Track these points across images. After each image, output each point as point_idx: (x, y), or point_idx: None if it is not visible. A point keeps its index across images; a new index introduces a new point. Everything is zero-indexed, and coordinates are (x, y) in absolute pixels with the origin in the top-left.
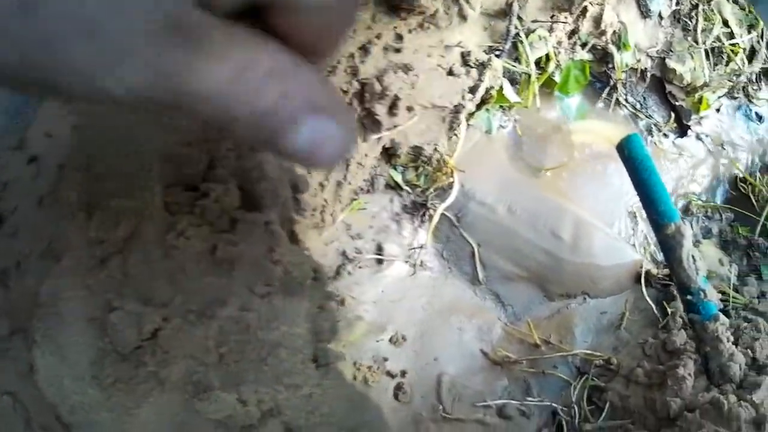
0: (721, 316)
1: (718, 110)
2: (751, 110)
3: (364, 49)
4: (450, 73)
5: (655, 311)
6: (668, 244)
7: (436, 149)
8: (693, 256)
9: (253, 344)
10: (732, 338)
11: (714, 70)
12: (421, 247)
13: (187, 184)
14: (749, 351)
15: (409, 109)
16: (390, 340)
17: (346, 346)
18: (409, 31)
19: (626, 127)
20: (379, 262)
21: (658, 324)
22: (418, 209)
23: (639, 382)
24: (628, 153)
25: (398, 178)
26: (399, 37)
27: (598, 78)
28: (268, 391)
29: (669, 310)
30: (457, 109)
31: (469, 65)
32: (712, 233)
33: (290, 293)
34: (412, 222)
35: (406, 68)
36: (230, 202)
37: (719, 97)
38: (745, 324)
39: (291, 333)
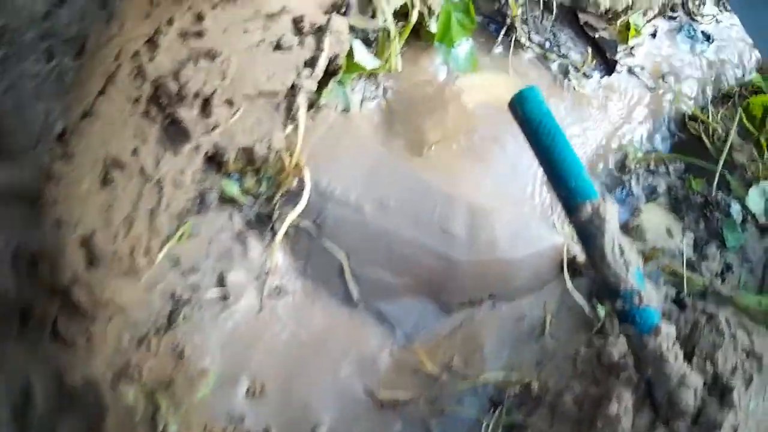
0: (664, 327)
1: (653, 35)
2: (695, 30)
3: (152, 42)
4: (278, 47)
5: (586, 309)
6: (586, 232)
7: (270, 146)
8: (620, 246)
9: None
10: (683, 350)
11: None
12: (268, 271)
13: None
14: (708, 363)
15: (229, 102)
16: (246, 392)
17: (189, 410)
18: (213, 7)
19: (534, 73)
20: (224, 297)
21: (592, 326)
22: (265, 222)
23: (566, 413)
24: (522, 113)
25: (233, 190)
26: (198, 18)
27: (491, 18)
28: None
29: (603, 309)
30: (293, 92)
31: (302, 33)
32: (658, 192)
33: None
34: (260, 239)
35: (211, 55)
36: None
37: (650, 20)
38: (704, 322)
39: None
